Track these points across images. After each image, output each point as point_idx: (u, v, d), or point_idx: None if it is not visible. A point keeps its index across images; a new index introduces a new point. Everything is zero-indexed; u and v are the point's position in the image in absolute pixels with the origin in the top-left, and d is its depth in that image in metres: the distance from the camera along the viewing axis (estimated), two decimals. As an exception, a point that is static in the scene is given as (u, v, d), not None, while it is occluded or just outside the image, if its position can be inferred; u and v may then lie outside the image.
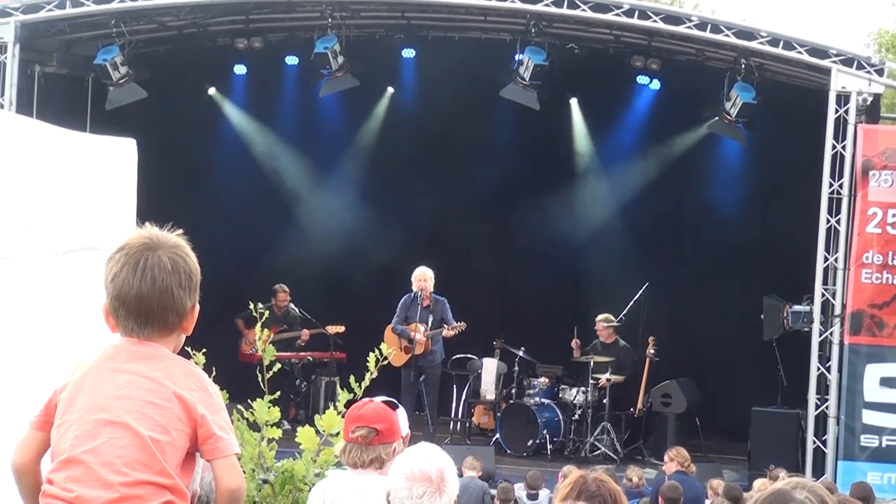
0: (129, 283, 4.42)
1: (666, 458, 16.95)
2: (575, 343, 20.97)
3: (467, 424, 21.17)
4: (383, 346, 9.15)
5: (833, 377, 18.80)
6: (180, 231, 4.61)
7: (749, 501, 4.12)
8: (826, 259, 18.89)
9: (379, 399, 7.07)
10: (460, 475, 12.87)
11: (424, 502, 5.54)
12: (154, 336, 4.46)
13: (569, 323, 21.28)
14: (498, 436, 20.29)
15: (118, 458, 4.26)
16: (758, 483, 16.16)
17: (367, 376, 8.68)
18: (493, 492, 15.71)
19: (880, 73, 19.09)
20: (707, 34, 19.59)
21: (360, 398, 7.49)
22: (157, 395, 4.36)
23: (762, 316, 20.65)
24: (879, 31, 35.13)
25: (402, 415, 7.15)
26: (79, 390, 4.41)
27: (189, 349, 6.87)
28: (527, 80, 19.94)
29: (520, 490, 16.44)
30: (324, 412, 8.86)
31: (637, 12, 19.93)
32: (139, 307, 4.42)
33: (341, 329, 20.89)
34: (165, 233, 4.59)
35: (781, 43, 19.21)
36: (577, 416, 20.67)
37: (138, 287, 4.40)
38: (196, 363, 7.03)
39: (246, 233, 22.18)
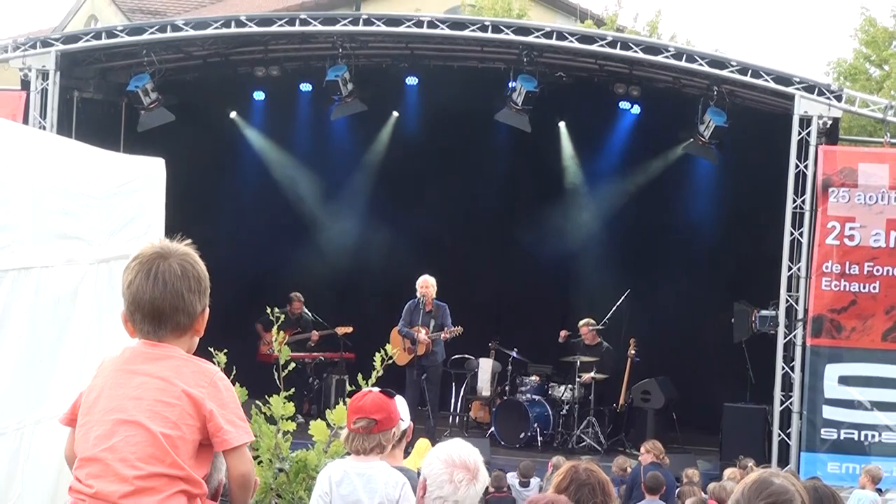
0: (143, 289, 4.41)
1: (642, 449, 17.02)
2: (563, 334, 21.05)
3: (465, 418, 21.22)
4: (389, 346, 9.20)
5: (796, 376, 18.83)
6: (189, 241, 4.61)
7: (736, 490, 4.04)
8: (790, 268, 18.93)
9: (376, 389, 7.10)
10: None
11: (462, 487, 5.62)
12: (167, 338, 4.45)
13: (557, 327, 21.28)
14: (493, 429, 20.35)
15: (132, 454, 4.26)
16: (728, 472, 16.20)
17: (374, 374, 8.73)
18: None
19: (839, 98, 19.12)
20: (683, 63, 19.65)
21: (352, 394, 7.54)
22: (168, 394, 4.34)
23: (732, 320, 20.71)
24: (838, 61, 34.99)
25: (401, 403, 7.18)
26: (99, 393, 4.42)
27: (212, 349, 6.92)
28: (519, 105, 19.99)
29: (512, 478, 16.48)
30: (334, 407, 8.93)
31: (619, 44, 20.06)
32: (153, 310, 4.42)
33: (349, 330, 20.93)
34: (175, 243, 4.59)
35: (750, 71, 19.25)
36: (564, 411, 20.70)
37: (151, 292, 4.39)
38: (217, 363, 7.06)
39: (264, 244, 22.19)
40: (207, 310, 4.59)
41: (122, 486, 4.23)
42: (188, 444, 4.35)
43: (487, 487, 15.93)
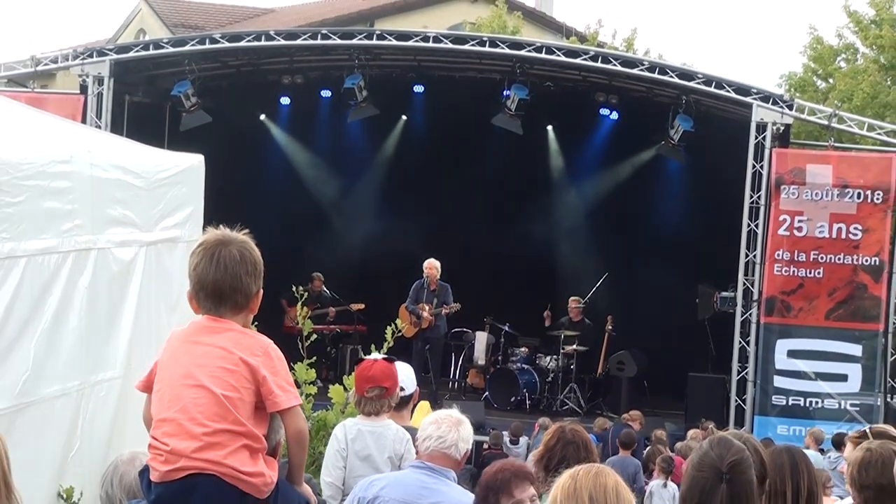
0: (206, 272, 4.43)
1: (627, 417, 17.23)
2: (546, 314, 21.07)
3: (462, 384, 21.27)
4: (398, 321, 9.27)
5: (751, 350, 18.89)
6: (247, 230, 4.63)
7: (696, 447, 4.09)
8: (747, 255, 18.97)
9: (380, 357, 7.19)
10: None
11: (444, 430, 5.73)
12: (226, 314, 4.45)
13: (545, 305, 21.29)
14: (487, 393, 20.40)
15: (200, 414, 4.27)
16: (691, 433, 16.31)
17: (385, 345, 8.78)
18: (482, 438, 15.75)
19: (790, 107, 19.19)
20: (655, 75, 19.68)
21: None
22: (228, 361, 4.35)
23: (697, 300, 20.82)
24: (789, 74, 34.90)
25: (408, 371, 7.27)
26: (170, 361, 4.45)
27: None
28: (513, 110, 20.05)
29: (504, 437, 16.55)
30: (349, 374, 9.00)
31: (600, 58, 20.14)
32: (214, 290, 4.44)
33: (362, 306, 20.98)
34: (235, 232, 4.60)
35: (714, 83, 19.29)
36: (550, 378, 20.78)
37: (213, 274, 4.41)
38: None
39: (288, 229, 22.11)
40: (261, 291, 4.60)
41: (192, 442, 4.25)
42: (246, 404, 4.36)
43: (484, 444, 16.08)
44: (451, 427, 5.73)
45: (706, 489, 4.15)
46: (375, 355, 7.32)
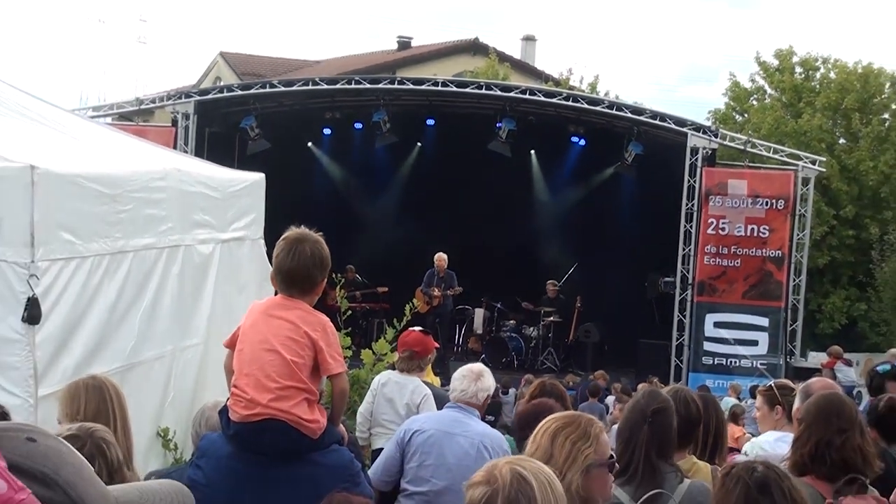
0: (284, 262, 4.44)
1: (596, 374, 17.32)
2: (526, 306, 21.11)
3: (465, 349, 21.26)
4: (414, 300, 9.35)
5: (687, 321, 19.01)
6: (320, 231, 4.63)
7: (636, 397, 4.20)
8: (683, 249, 19.09)
9: (417, 329, 7.28)
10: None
11: (466, 383, 5.75)
12: (296, 295, 4.45)
13: (528, 290, 21.30)
14: (483, 355, 20.35)
15: (274, 373, 4.28)
16: (640, 386, 16.06)
17: (404, 319, 8.81)
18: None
19: (716, 136, 19.36)
20: (613, 111, 19.79)
21: (400, 332, 7.64)
22: (295, 333, 4.36)
23: (646, 284, 20.84)
24: (715, 110, 35.08)
25: (432, 339, 7.30)
26: (251, 328, 4.45)
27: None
28: (503, 138, 20.10)
29: (497, 389, 16.54)
30: (376, 341, 9.04)
31: (571, 98, 20.26)
32: (287, 277, 4.44)
33: (386, 289, 20.94)
34: (311, 231, 4.61)
35: (658, 117, 19.43)
36: (532, 344, 20.79)
37: (288, 264, 4.41)
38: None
39: (329, 231, 21.90)
40: (325, 280, 4.59)
41: (267, 394, 4.25)
42: (307, 367, 4.37)
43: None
44: (472, 380, 5.76)
45: (633, 428, 4.21)
46: (415, 329, 7.42)
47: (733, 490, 3.21)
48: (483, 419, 5.89)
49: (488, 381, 5.84)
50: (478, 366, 5.99)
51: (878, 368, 6.93)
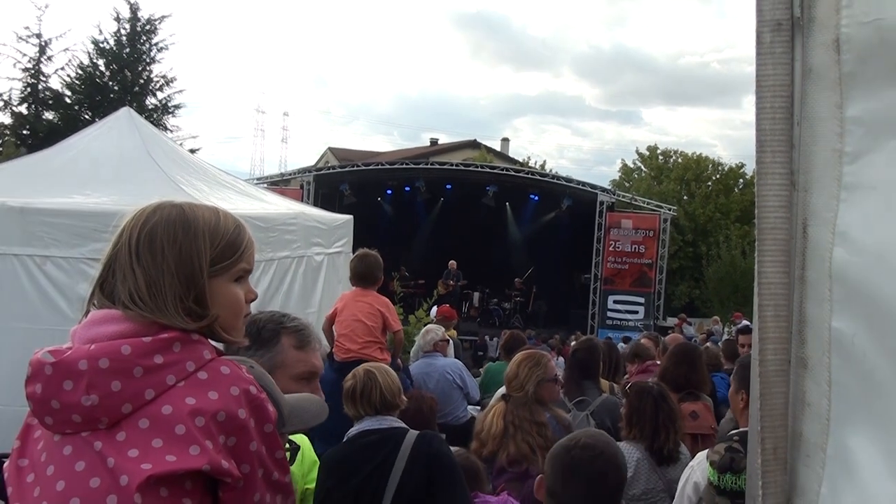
0: (357, 268, 4.39)
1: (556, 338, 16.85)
2: (517, 282, 20.63)
3: (468, 315, 20.45)
4: (438, 287, 9.24)
5: (598, 300, 18.75)
6: (376, 249, 4.55)
7: (572, 346, 4.07)
8: (595, 259, 18.80)
9: (446, 305, 7.22)
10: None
11: (421, 340, 5.38)
12: (368, 287, 4.38)
13: (504, 282, 20.90)
14: (479, 319, 20.06)
15: (362, 332, 4.23)
16: (571, 338, 15.76)
17: (431, 301, 8.76)
18: (474, 337, 15.53)
19: (614, 194, 19.13)
20: (555, 181, 19.66)
21: (431, 306, 7.50)
22: (371, 309, 4.30)
23: (573, 279, 20.54)
24: (613, 180, 35.01)
25: (455, 311, 7.19)
26: (344, 307, 4.38)
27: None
28: (490, 196, 19.84)
29: (487, 339, 16.35)
30: (417, 311, 8.93)
31: (529, 173, 20.13)
32: (359, 276, 4.38)
33: (422, 281, 20.52)
34: (371, 250, 4.50)
35: (581, 184, 19.20)
36: (507, 312, 20.27)
37: (359, 268, 4.37)
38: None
39: (388, 251, 21.58)
40: (382, 277, 4.50)
41: (355, 345, 4.22)
42: (379, 329, 4.31)
43: (477, 341, 15.75)
44: (422, 337, 5.46)
45: (569, 360, 4.16)
46: (445, 304, 7.27)
47: (646, 399, 3.15)
48: (445, 356, 5.39)
49: (430, 335, 5.50)
50: (426, 328, 5.59)
51: (738, 327, 7.02)
